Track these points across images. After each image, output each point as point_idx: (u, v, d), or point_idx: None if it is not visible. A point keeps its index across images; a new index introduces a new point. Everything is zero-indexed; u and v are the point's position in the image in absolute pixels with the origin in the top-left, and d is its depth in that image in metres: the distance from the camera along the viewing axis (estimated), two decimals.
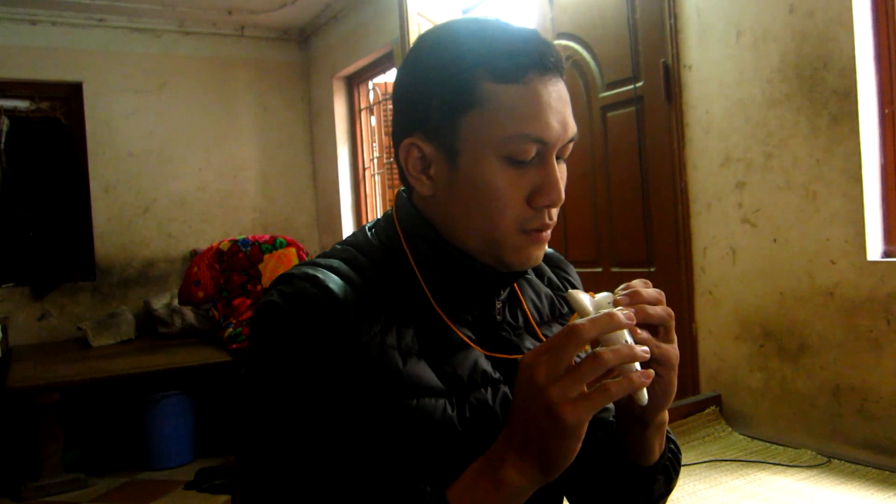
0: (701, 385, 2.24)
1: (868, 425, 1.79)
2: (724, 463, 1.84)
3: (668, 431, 0.83)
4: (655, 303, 0.70)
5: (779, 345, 2.00)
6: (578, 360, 0.63)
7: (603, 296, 0.69)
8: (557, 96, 0.74)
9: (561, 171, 0.76)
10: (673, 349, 0.71)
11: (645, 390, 0.65)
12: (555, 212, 0.77)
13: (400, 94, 0.80)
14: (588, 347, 0.65)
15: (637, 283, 0.71)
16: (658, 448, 0.80)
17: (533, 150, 0.73)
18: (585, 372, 0.61)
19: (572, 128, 0.75)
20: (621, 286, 0.71)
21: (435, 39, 0.78)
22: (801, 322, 1.94)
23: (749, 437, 2.02)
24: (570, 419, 0.61)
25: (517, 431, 0.64)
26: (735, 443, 1.99)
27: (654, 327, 0.71)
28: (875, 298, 1.76)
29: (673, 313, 0.71)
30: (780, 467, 1.79)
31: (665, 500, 0.85)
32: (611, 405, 0.89)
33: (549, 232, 0.77)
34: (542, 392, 0.62)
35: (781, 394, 2.00)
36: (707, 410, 2.12)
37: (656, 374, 0.70)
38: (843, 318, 1.83)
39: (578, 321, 0.63)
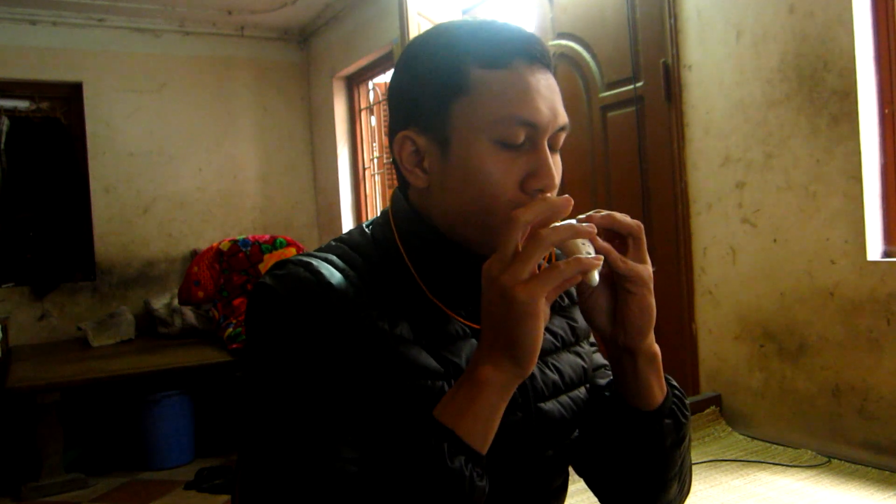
0: (701, 385, 2.24)
1: (868, 425, 1.79)
2: (724, 463, 1.84)
3: (668, 378, 0.83)
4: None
5: (779, 345, 2.00)
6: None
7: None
8: (546, 84, 0.75)
9: (555, 162, 0.76)
10: (644, 268, 0.74)
11: (596, 272, 0.68)
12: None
13: (393, 91, 0.82)
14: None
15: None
16: (658, 389, 0.80)
17: (523, 134, 0.74)
18: (529, 251, 0.65)
19: (563, 116, 0.76)
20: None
21: (425, 38, 0.80)
22: (801, 322, 1.94)
23: (749, 437, 2.02)
24: (522, 297, 0.64)
25: (485, 330, 0.68)
26: (735, 443, 1.99)
27: (623, 245, 0.75)
28: (875, 298, 1.76)
29: (642, 226, 0.75)
30: (780, 467, 1.79)
31: (680, 450, 0.83)
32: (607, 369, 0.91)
33: None
34: (496, 282, 0.66)
35: (781, 394, 2.00)
36: (707, 410, 2.12)
37: (627, 290, 0.74)
38: (843, 318, 1.83)
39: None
